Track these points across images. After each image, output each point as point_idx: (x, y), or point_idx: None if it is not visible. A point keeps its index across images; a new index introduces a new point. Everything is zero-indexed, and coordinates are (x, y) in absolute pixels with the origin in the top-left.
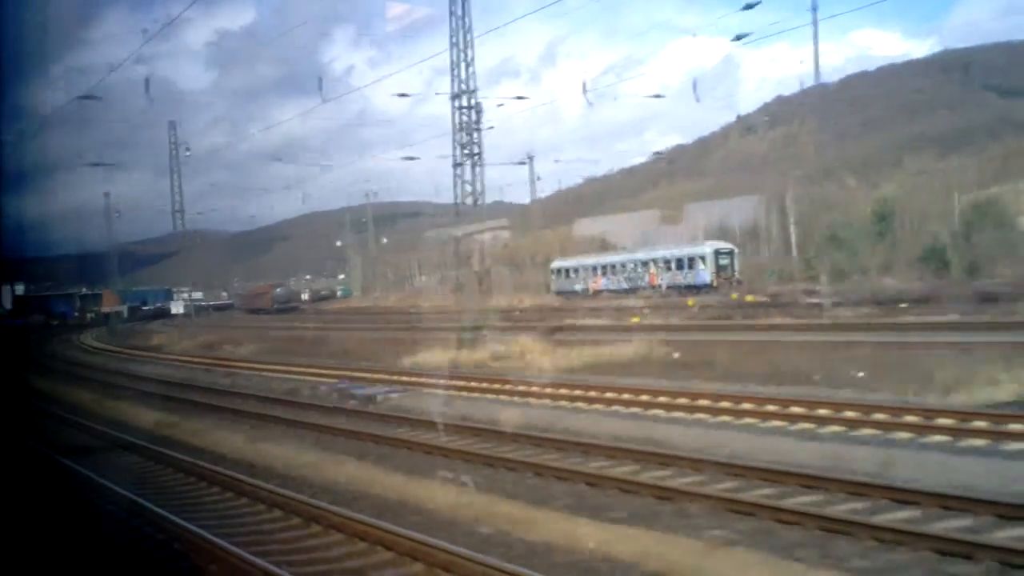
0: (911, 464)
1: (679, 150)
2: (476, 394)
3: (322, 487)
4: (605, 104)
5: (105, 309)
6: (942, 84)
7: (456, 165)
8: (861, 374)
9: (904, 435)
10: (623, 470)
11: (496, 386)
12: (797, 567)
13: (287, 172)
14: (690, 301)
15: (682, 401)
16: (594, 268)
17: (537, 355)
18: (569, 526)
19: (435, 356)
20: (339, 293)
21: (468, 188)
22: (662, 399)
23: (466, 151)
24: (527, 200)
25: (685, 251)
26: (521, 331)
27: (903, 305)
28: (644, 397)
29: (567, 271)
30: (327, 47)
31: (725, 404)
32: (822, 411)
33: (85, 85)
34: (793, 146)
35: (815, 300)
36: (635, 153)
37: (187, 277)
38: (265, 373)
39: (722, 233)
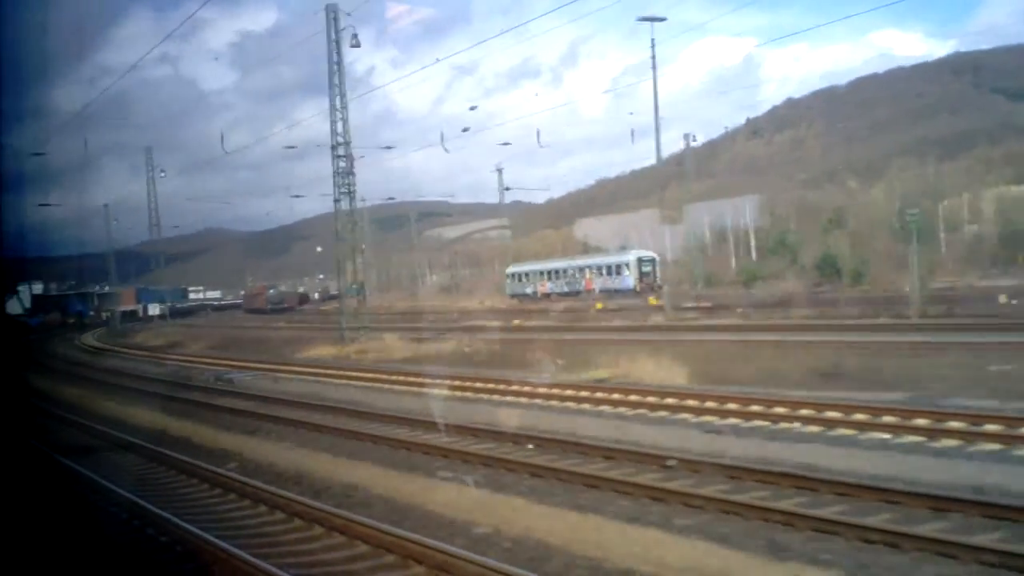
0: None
1: (681, 155)
2: (307, 377)
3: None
4: (625, 104)
5: (122, 308)
6: (952, 87)
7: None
8: (561, 362)
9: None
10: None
11: (328, 371)
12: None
13: (308, 170)
14: (598, 304)
15: (411, 380)
16: (542, 273)
17: (386, 350)
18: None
19: (318, 350)
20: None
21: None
22: (400, 378)
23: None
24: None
25: (613, 259)
26: (410, 330)
27: (739, 310)
28: (398, 377)
29: (520, 276)
30: (349, 48)
31: (442, 382)
32: (510, 387)
33: (109, 83)
34: (799, 149)
35: (688, 304)
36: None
37: (211, 275)
38: (178, 361)
39: (695, 237)
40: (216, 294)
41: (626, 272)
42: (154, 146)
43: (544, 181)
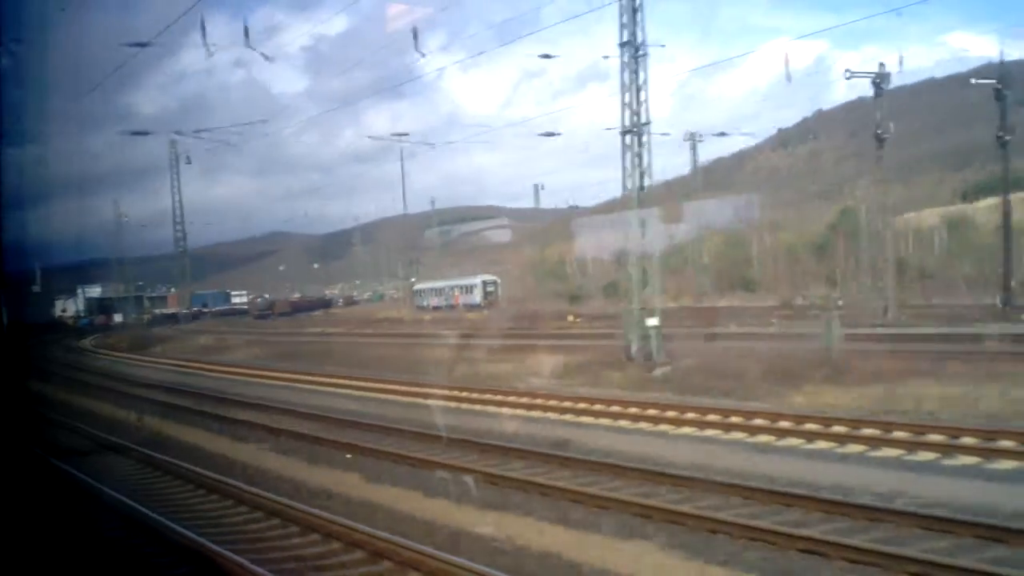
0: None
1: (718, 162)
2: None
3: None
4: (693, 106)
5: (168, 311)
6: (987, 97)
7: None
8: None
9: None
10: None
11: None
12: None
13: (374, 174)
14: (426, 316)
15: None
16: (432, 290)
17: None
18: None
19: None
20: (367, 296)
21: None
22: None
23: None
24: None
25: (467, 281)
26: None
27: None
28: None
29: (420, 292)
30: (418, 52)
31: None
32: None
33: (186, 89)
34: (815, 162)
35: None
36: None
37: (274, 278)
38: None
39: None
40: (244, 298)
41: (475, 291)
42: (225, 148)
43: (607, 185)
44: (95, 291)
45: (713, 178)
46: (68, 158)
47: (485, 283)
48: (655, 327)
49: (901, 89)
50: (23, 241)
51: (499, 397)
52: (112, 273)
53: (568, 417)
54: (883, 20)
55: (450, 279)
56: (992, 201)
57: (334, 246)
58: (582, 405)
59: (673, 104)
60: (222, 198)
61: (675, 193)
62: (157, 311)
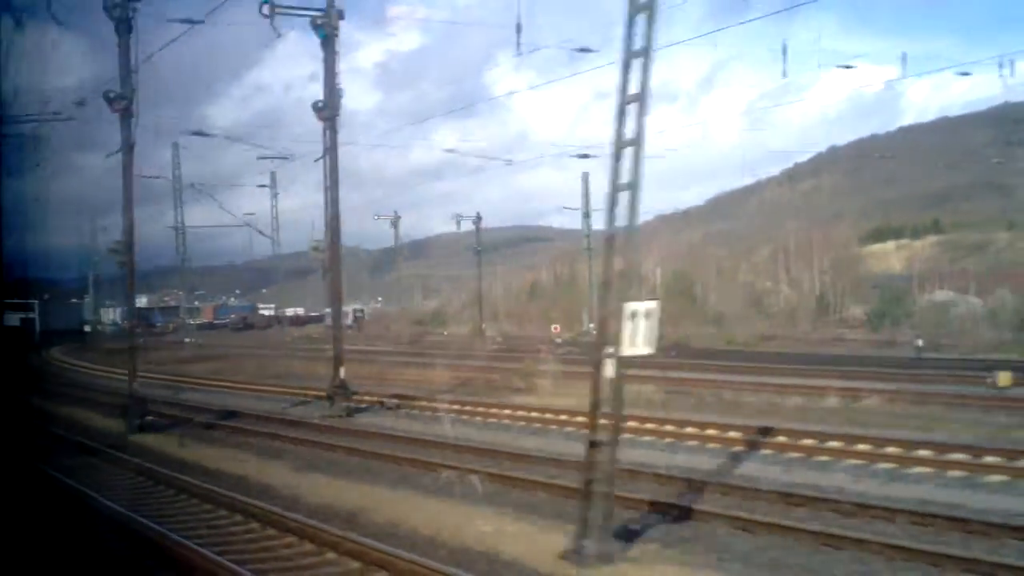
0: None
1: (730, 194)
2: None
3: None
4: (761, 130)
5: (200, 321)
6: (993, 137)
7: None
8: None
9: None
10: None
11: None
12: None
13: (440, 189)
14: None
15: None
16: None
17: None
18: None
19: None
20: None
21: None
22: None
23: None
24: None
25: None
26: None
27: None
28: None
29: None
30: (490, 71)
31: None
32: None
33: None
34: (814, 198)
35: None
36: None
37: (309, 294)
38: None
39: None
40: (299, 310)
41: (349, 317)
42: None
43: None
44: (140, 301)
45: (721, 209)
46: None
47: (355, 310)
48: None
49: (919, 126)
50: (70, 251)
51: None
52: (176, 281)
53: None
54: (955, 46)
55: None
56: (881, 247)
57: (385, 261)
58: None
59: (741, 126)
60: (293, 209)
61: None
62: (191, 321)
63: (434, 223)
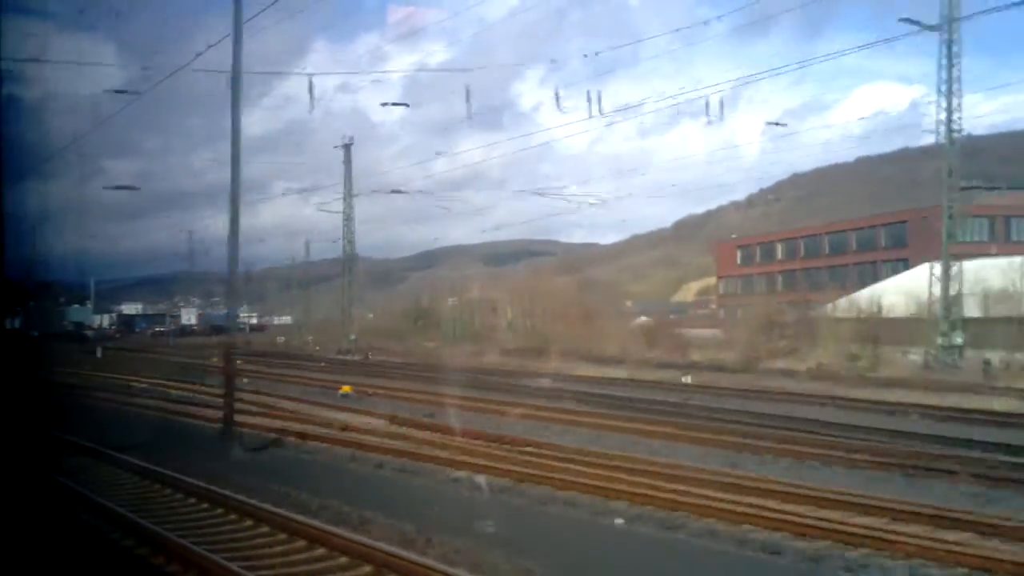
0: None
1: (691, 217)
2: None
3: None
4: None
5: (196, 327)
6: (919, 171)
7: None
8: None
9: None
10: None
11: None
12: None
13: (464, 200)
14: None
15: None
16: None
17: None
18: None
19: None
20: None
21: None
22: None
23: None
24: None
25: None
26: None
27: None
28: None
29: None
30: (517, 85)
31: None
32: None
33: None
34: (761, 225)
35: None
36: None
37: (334, 299)
38: None
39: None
40: (286, 319)
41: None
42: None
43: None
44: (134, 307)
45: (682, 232)
46: (174, 175)
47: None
48: None
49: (879, 156)
50: (72, 257)
51: None
52: (177, 288)
53: None
54: (983, 68)
55: None
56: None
57: (396, 271)
58: None
59: (764, 145)
60: (309, 218)
61: None
62: (160, 328)
63: (459, 233)
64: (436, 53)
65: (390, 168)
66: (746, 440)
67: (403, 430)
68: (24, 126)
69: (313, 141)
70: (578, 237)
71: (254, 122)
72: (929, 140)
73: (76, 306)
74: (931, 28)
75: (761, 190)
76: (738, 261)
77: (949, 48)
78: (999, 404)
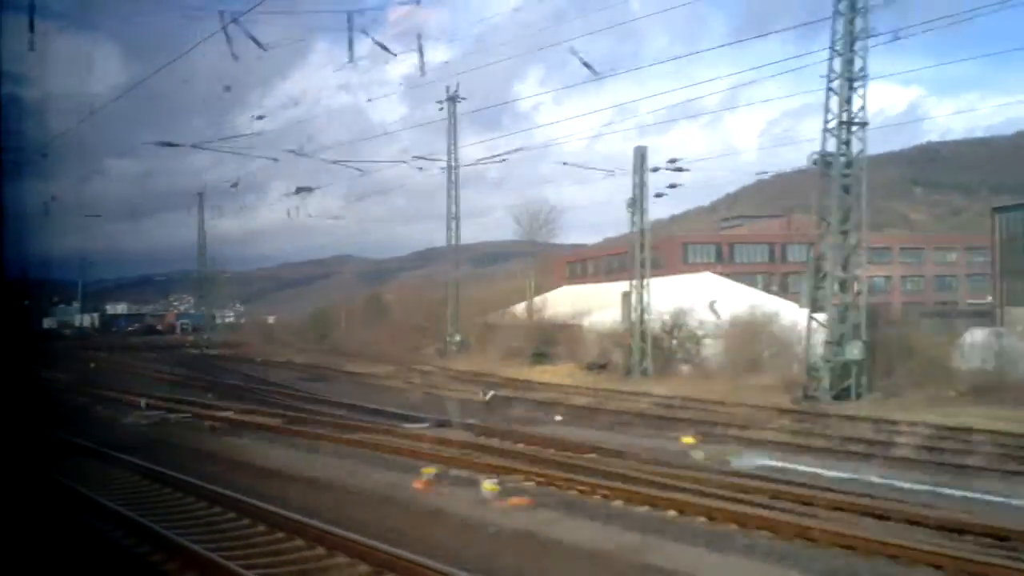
0: None
1: (657, 223)
2: None
3: None
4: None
5: (161, 326)
6: (900, 177)
7: None
8: None
9: None
10: None
11: None
12: None
13: (463, 199)
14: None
15: None
16: None
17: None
18: None
19: None
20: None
21: None
22: None
23: None
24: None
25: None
26: None
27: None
28: None
29: None
30: (518, 85)
31: None
32: None
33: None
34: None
35: None
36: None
37: (320, 300)
38: None
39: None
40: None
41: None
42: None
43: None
44: (118, 307)
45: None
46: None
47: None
48: None
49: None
50: (60, 258)
51: None
52: (175, 288)
53: None
54: (982, 68)
55: None
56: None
57: (386, 271)
58: None
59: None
60: (306, 217)
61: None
62: (159, 326)
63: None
64: (436, 53)
65: (390, 168)
66: None
67: None
68: (24, 126)
69: (313, 143)
70: (575, 238)
71: (254, 122)
72: None
73: (62, 305)
74: None
75: (728, 195)
76: None
77: None
78: None
